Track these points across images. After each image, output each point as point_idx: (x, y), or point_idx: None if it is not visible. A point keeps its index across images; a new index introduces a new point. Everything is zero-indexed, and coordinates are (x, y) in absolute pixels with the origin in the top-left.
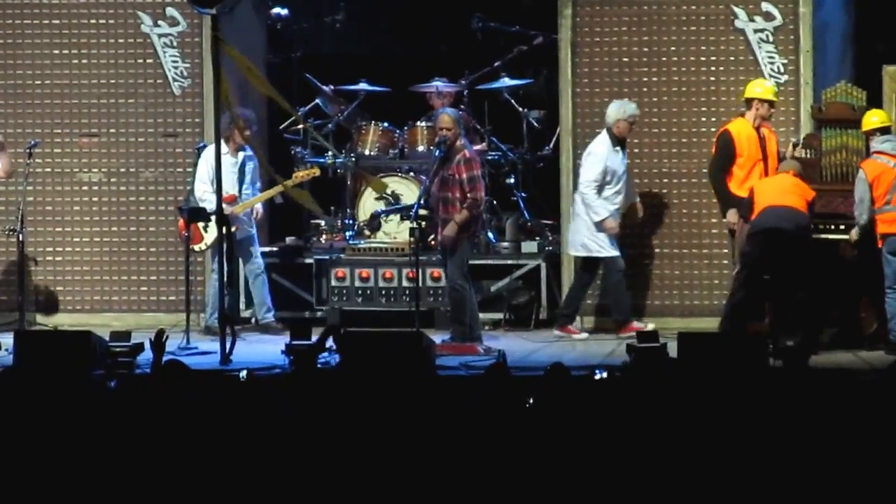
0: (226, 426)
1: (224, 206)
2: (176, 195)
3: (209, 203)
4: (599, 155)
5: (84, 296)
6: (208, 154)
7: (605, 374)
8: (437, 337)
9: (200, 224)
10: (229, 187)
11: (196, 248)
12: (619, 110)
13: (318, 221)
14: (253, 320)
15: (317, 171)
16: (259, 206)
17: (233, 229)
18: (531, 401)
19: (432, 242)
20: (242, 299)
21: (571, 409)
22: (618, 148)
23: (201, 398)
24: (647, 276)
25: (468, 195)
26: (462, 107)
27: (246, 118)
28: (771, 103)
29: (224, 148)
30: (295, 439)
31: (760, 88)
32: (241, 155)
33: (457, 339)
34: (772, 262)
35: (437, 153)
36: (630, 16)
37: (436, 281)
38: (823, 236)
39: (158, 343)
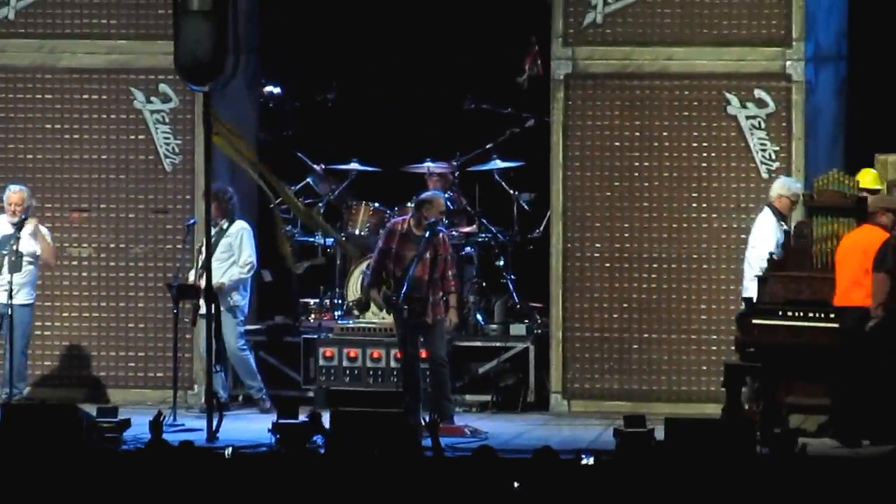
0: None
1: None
2: (165, 271)
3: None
4: (769, 227)
5: (71, 370)
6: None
7: (591, 459)
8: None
9: None
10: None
11: None
12: (783, 186)
13: (307, 301)
14: (240, 397)
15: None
16: (224, 280)
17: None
18: (517, 484)
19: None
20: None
21: (559, 492)
22: (782, 222)
23: (187, 475)
24: (634, 360)
25: (450, 272)
26: (453, 187)
27: (222, 189)
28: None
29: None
30: None
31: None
32: (218, 227)
33: (445, 419)
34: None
35: (427, 235)
36: (622, 100)
37: (423, 361)
38: (813, 324)
39: (157, 424)
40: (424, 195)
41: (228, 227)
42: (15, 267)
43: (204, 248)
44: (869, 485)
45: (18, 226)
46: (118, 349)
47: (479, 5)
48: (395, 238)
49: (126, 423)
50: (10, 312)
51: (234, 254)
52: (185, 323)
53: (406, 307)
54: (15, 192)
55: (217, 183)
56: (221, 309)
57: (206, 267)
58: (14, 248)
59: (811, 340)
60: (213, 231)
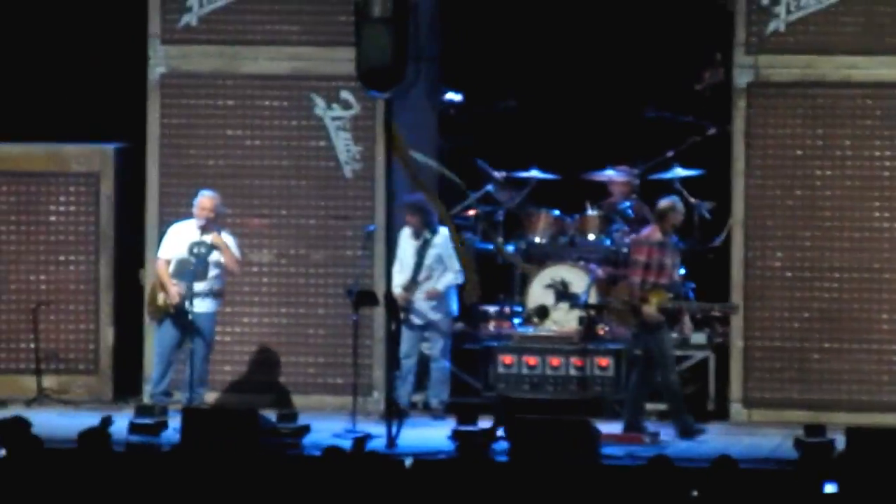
0: None
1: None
2: (345, 278)
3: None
4: None
5: (252, 376)
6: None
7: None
8: (604, 426)
9: None
10: (407, 271)
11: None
12: None
13: (486, 308)
14: (421, 404)
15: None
16: (440, 287)
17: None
18: (696, 493)
19: (601, 331)
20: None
21: (738, 502)
22: None
23: (364, 482)
24: (815, 370)
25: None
26: (634, 195)
27: (422, 201)
28: None
29: (407, 230)
30: None
31: None
32: (422, 239)
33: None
34: None
35: (675, 241)
36: (804, 108)
37: (603, 370)
38: None
39: (360, 445)
40: (666, 203)
41: (432, 237)
42: (200, 275)
43: (402, 258)
44: None
45: (205, 231)
46: (298, 355)
47: (663, 13)
48: (652, 249)
49: (305, 429)
50: (193, 319)
51: (445, 263)
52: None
53: (586, 314)
54: (206, 198)
55: (415, 195)
56: (435, 318)
57: (387, 275)
58: (199, 253)
59: None
60: (415, 243)
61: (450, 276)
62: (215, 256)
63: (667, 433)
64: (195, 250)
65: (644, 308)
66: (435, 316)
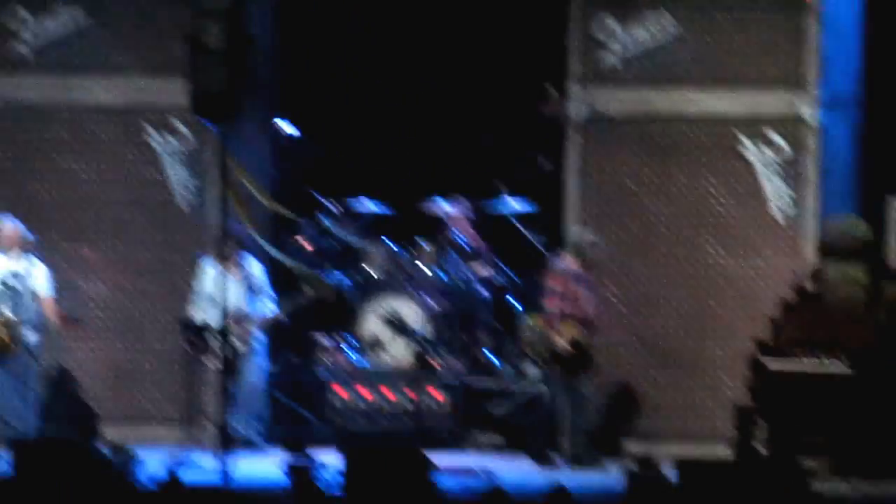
0: None
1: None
2: (178, 309)
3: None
4: None
5: (85, 407)
6: (208, 270)
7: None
8: (438, 458)
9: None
10: (230, 301)
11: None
12: None
13: (320, 339)
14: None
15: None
16: (268, 314)
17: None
18: None
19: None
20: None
21: None
22: None
23: None
24: (648, 401)
25: None
26: (469, 228)
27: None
28: None
29: (220, 266)
30: None
31: None
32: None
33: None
34: None
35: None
36: (639, 142)
37: (438, 403)
38: (824, 368)
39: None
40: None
41: (250, 267)
42: (18, 306)
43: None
44: None
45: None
46: (131, 387)
47: (498, 46)
48: (567, 280)
49: (139, 461)
50: (20, 351)
51: (262, 290)
52: (201, 360)
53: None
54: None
55: (232, 225)
56: (253, 348)
57: (222, 306)
58: (12, 285)
59: (822, 382)
60: (230, 273)
61: (270, 304)
62: (31, 286)
63: (500, 466)
64: (8, 282)
65: (555, 339)
66: (256, 344)
